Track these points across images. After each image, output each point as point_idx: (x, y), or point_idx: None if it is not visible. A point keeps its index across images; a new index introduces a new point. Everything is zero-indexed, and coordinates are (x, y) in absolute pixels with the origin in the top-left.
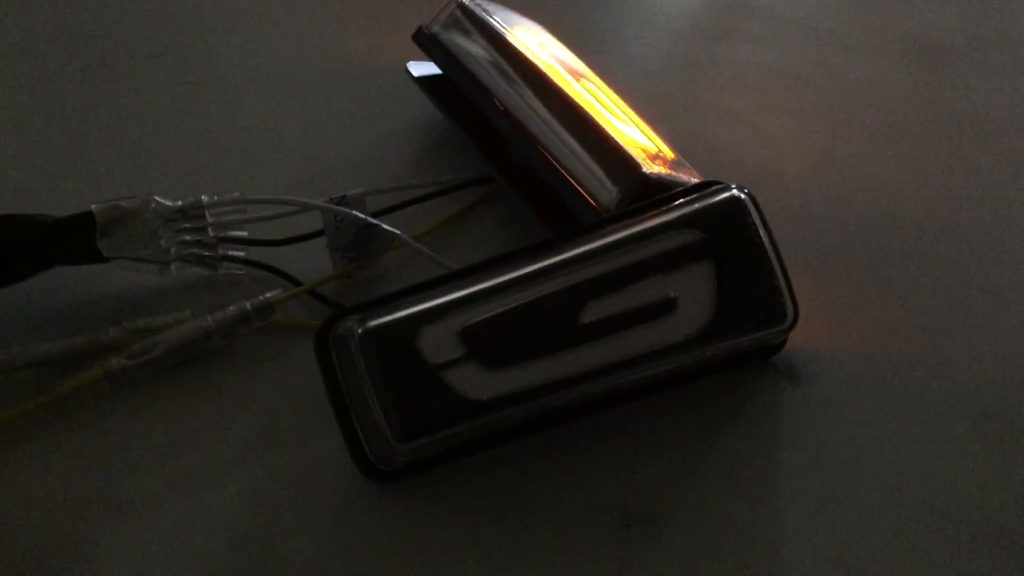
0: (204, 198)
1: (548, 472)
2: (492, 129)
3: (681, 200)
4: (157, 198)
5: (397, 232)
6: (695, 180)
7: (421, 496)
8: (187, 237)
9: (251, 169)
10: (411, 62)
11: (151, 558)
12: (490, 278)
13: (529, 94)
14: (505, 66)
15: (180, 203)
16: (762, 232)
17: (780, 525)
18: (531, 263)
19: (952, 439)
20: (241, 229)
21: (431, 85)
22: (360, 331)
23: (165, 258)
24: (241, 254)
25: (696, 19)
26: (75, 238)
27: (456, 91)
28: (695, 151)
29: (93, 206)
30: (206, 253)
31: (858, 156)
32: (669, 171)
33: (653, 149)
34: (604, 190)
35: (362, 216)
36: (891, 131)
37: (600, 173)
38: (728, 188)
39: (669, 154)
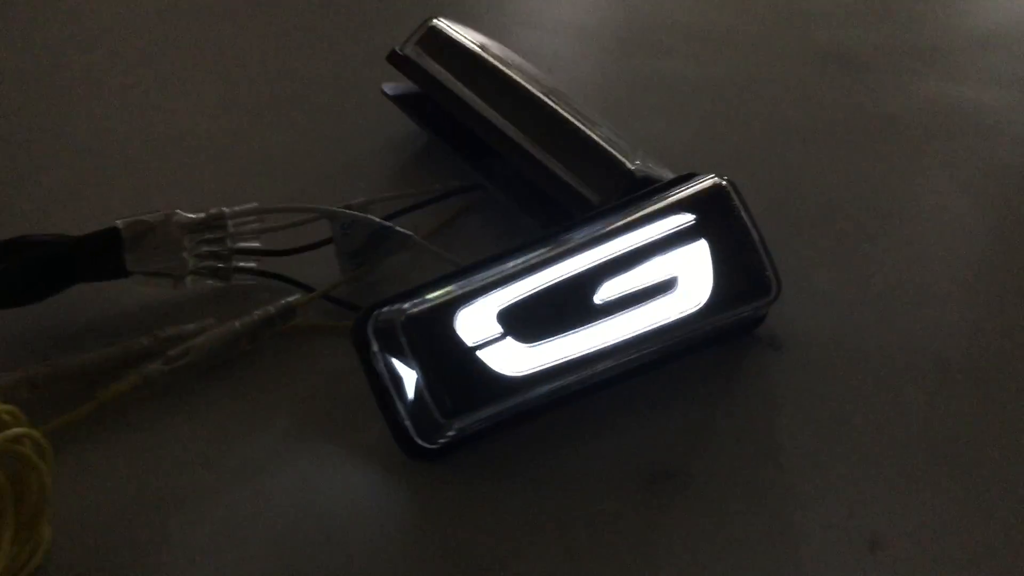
0: (225, 209)
1: (575, 442)
2: (474, 140)
3: (669, 190)
4: (179, 211)
5: (410, 233)
6: (670, 174)
7: (462, 473)
8: (208, 248)
9: (232, 187)
10: (385, 83)
11: (216, 544)
12: (513, 264)
13: (512, 105)
14: (485, 81)
15: (202, 215)
16: (744, 214)
17: (784, 472)
18: (549, 249)
19: (914, 387)
20: (254, 240)
21: (408, 103)
22: (402, 319)
23: (181, 271)
24: (252, 265)
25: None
26: (101, 254)
27: (434, 107)
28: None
29: (118, 221)
30: (220, 265)
31: (794, 152)
32: (649, 167)
33: (628, 149)
34: (596, 188)
35: (377, 220)
36: (820, 131)
37: (590, 173)
38: (710, 177)
39: (642, 152)
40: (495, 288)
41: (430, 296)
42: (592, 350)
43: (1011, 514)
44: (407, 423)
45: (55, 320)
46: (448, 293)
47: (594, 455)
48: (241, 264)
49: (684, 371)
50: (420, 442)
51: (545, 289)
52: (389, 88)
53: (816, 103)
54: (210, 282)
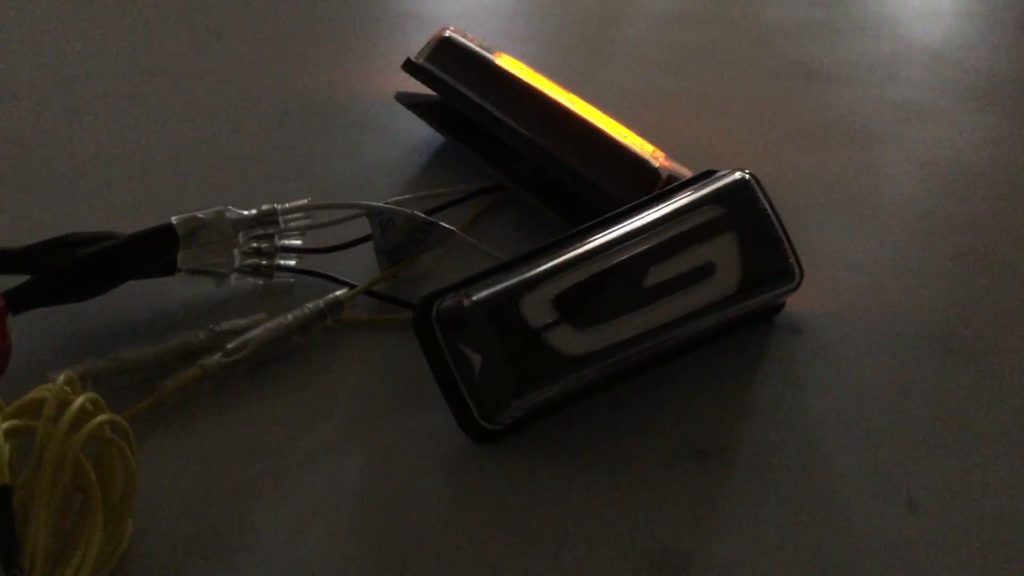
0: (277, 205)
1: (626, 421)
2: (492, 142)
3: (697, 185)
4: (231, 207)
5: (452, 228)
6: (688, 172)
7: (522, 454)
8: (257, 245)
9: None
10: (398, 92)
11: (297, 528)
12: (564, 254)
13: (534, 110)
14: (505, 87)
15: (254, 211)
16: (767, 206)
17: (818, 442)
18: (595, 240)
19: (922, 362)
20: (298, 238)
21: (424, 109)
22: (468, 304)
23: (228, 268)
24: (292, 263)
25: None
26: (154, 250)
27: (451, 112)
28: None
29: (173, 218)
30: (263, 262)
31: (773, 150)
32: (670, 165)
33: (649, 148)
34: (623, 186)
35: (421, 215)
36: (791, 132)
37: (618, 172)
38: (734, 172)
39: (659, 152)
40: (551, 276)
41: (491, 284)
42: (641, 331)
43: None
44: (472, 405)
45: (106, 317)
46: (509, 281)
47: (644, 432)
48: (282, 262)
49: (715, 356)
50: (484, 424)
51: (594, 277)
52: (403, 96)
53: (787, 111)
54: (252, 280)
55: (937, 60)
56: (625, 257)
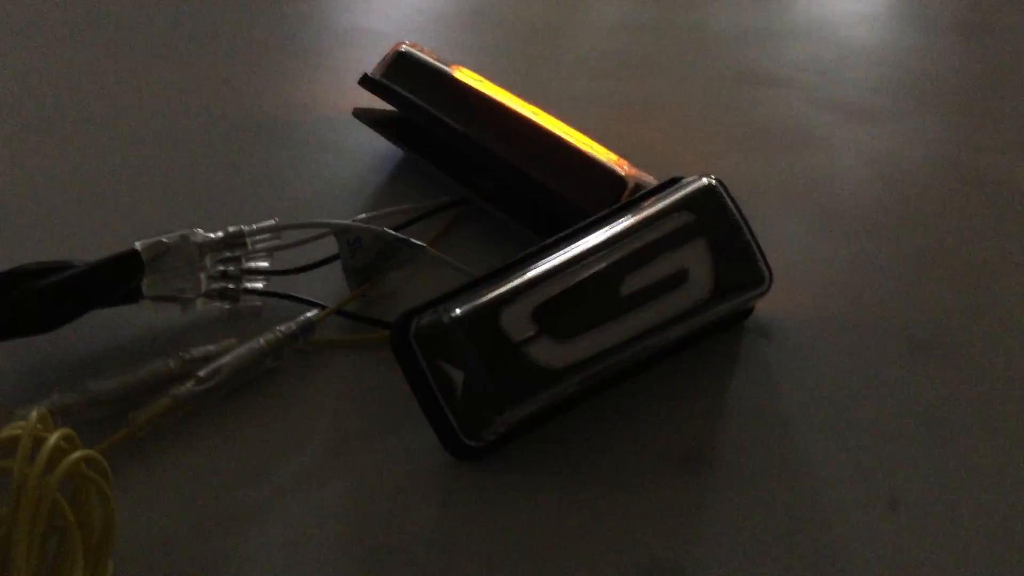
0: (244, 227)
1: (606, 431)
2: (456, 156)
3: (664, 192)
4: (198, 230)
5: (422, 244)
6: (653, 180)
7: (505, 469)
8: (223, 268)
9: (213, 215)
10: (355, 107)
11: (283, 556)
12: (538, 267)
13: (496, 122)
14: (464, 100)
15: (221, 233)
16: (735, 211)
17: (798, 445)
18: (572, 248)
19: (891, 360)
20: (264, 260)
21: (382, 124)
22: (450, 320)
23: (191, 294)
24: (260, 285)
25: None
26: (119, 278)
27: (410, 126)
28: None
29: (137, 244)
30: (230, 286)
31: (724, 155)
32: (636, 173)
33: (614, 157)
34: (591, 196)
35: (391, 232)
36: (741, 136)
37: (584, 182)
38: (700, 178)
39: (624, 160)
40: (528, 289)
41: (468, 300)
42: (620, 340)
43: (999, 471)
44: (453, 423)
45: (71, 349)
46: (486, 296)
47: (624, 442)
48: (249, 285)
49: (689, 362)
50: (467, 441)
51: (571, 288)
52: (360, 111)
53: (736, 116)
54: (219, 304)
55: (876, 62)
56: (601, 267)
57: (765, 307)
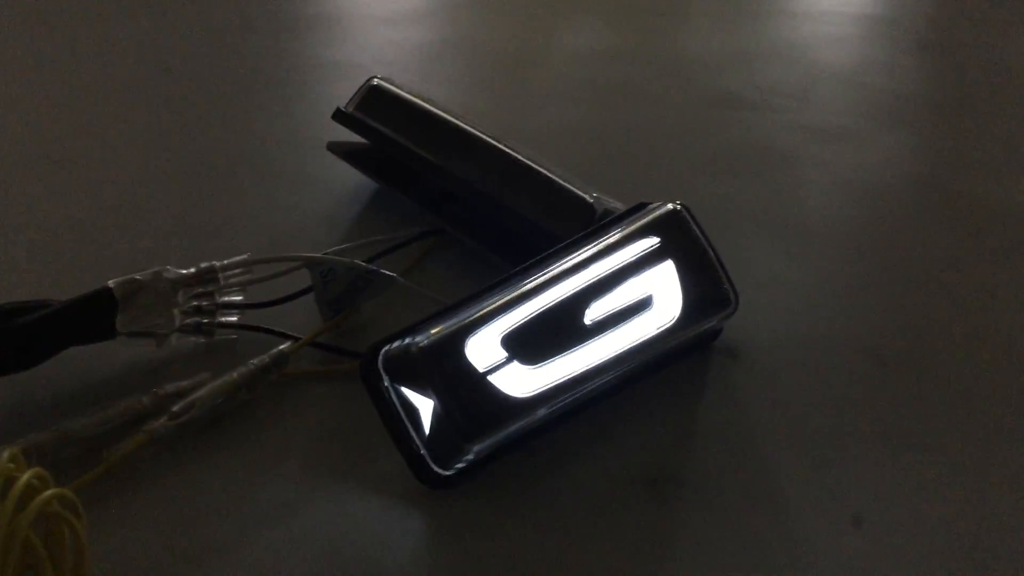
0: (216, 262)
1: (576, 456)
2: (429, 187)
3: (631, 218)
4: (170, 267)
5: (394, 275)
6: (621, 206)
7: (475, 496)
8: (196, 303)
9: (188, 252)
10: (329, 141)
11: None
12: (505, 295)
13: (468, 152)
14: (437, 131)
15: (193, 269)
16: (700, 234)
17: (765, 464)
18: (535, 278)
19: (857, 379)
20: (238, 294)
21: (356, 157)
22: (416, 350)
23: (167, 329)
24: (234, 319)
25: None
26: (93, 316)
27: (383, 158)
28: None
29: (110, 282)
30: (204, 320)
31: (698, 178)
32: (604, 199)
33: (583, 185)
34: (560, 223)
35: (363, 264)
36: (714, 159)
37: (553, 209)
38: (666, 203)
39: (592, 187)
40: (495, 317)
41: (435, 329)
42: (589, 366)
43: (962, 486)
44: (423, 452)
45: (45, 387)
46: (453, 325)
47: (595, 466)
48: (223, 319)
49: (658, 385)
50: (437, 470)
51: (539, 315)
52: (334, 144)
53: (709, 140)
54: (193, 339)
55: (846, 83)
56: (569, 293)
57: (734, 328)
